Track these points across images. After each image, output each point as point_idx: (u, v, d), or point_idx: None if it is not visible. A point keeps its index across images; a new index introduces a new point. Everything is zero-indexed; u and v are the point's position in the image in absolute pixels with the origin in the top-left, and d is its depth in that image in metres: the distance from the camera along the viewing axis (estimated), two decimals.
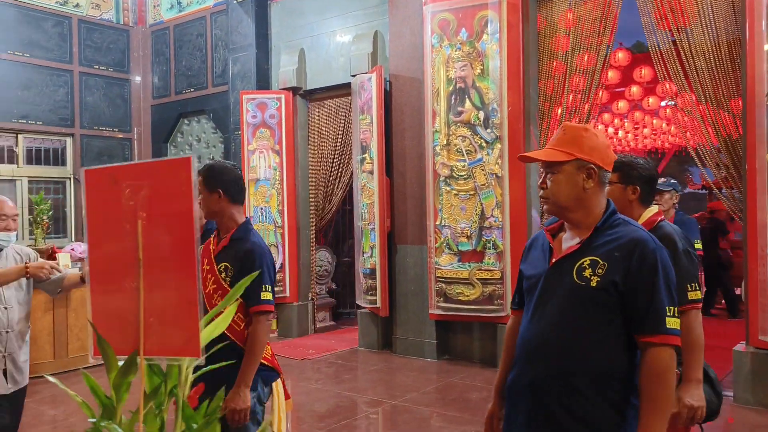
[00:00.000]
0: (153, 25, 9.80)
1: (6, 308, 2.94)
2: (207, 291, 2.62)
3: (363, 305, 7.07)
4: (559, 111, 6.11)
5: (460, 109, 6.07)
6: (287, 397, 2.73)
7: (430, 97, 6.25)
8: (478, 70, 5.99)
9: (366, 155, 6.87)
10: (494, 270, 5.93)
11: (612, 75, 9.38)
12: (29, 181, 8.73)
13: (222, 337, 2.46)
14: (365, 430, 4.63)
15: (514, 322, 2.12)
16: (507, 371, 2.00)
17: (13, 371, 2.97)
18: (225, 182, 2.62)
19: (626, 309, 1.73)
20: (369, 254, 6.88)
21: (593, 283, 1.74)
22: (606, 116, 12.06)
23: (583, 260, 1.78)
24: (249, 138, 7.85)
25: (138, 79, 9.85)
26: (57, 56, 8.95)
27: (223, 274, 2.57)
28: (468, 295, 6.04)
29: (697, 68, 5.17)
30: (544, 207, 1.91)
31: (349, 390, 5.54)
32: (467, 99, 6.04)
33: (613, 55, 9.03)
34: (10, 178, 8.57)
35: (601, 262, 1.75)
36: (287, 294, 7.83)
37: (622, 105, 11.21)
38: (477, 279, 5.99)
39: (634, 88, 10.11)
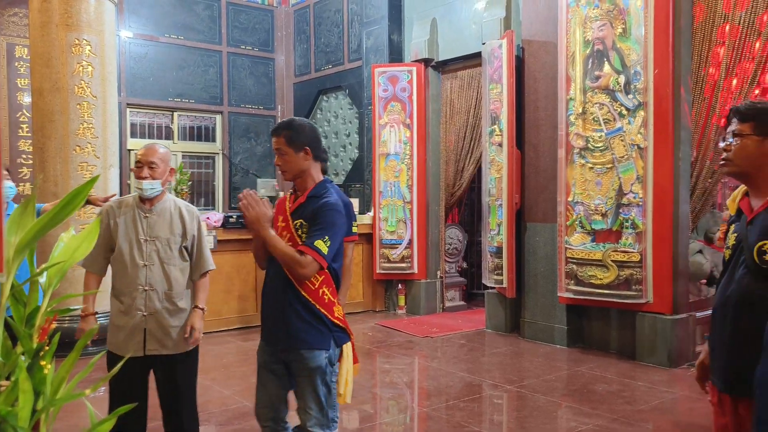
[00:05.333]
0: (295, 4, 10.07)
1: (146, 265, 2.81)
2: None
3: (490, 285, 6.75)
4: (719, 75, 5.34)
5: (597, 73, 5.50)
6: (356, 361, 2.64)
7: (565, 61, 5.73)
8: (619, 30, 5.38)
9: (495, 127, 6.51)
10: (632, 252, 5.34)
11: None
12: (183, 156, 9.38)
13: (296, 293, 2.47)
14: (472, 412, 4.37)
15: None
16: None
17: (158, 333, 2.80)
18: (311, 140, 2.53)
19: None
20: (496, 231, 6.54)
21: None
22: None
23: None
24: (380, 112, 7.78)
25: (281, 57, 10.18)
26: (207, 38, 9.50)
27: (299, 231, 2.49)
28: (601, 279, 5.50)
29: None
30: None
31: (466, 371, 5.30)
32: (606, 62, 5.45)
33: None
34: None
35: None
36: (415, 270, 7.71)
37: None
38: (612, 261, 5.43)
39: None
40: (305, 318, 2.47)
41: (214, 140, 9.77)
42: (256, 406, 2.64)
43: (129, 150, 8.84)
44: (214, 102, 9.61)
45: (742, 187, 2.08)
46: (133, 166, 2.89)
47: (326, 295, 2.51)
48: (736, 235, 2.02)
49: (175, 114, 9.36)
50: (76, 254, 0.86)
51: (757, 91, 5.37)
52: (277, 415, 2.60)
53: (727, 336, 1.96)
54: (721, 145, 2.05)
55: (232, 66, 9.73)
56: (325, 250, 2.41)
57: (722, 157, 2.05)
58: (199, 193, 9.66)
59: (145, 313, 2.79)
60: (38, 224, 0.85)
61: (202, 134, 9.70)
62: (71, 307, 1.10)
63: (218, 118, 9.74)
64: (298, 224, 2.50)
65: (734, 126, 2.00)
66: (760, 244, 1.86)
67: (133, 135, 9.02)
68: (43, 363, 0.84)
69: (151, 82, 9.01)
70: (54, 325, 0.95)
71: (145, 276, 2.80)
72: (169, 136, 9.34)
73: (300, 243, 2.45)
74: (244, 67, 9.86)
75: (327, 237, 2.42)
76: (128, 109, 8.89)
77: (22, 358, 0.93)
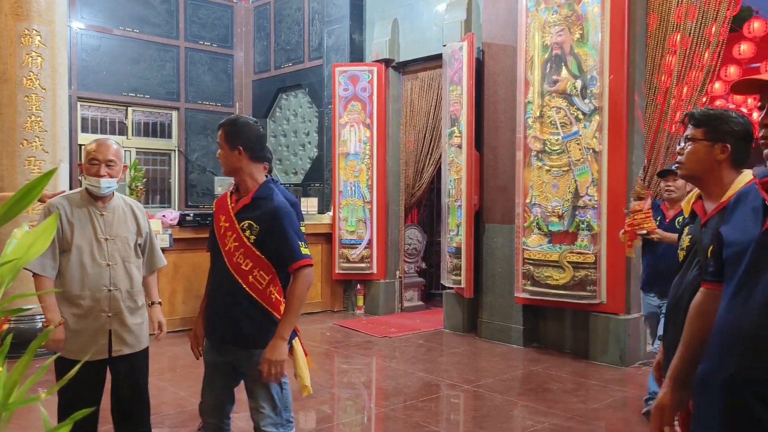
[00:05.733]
0: (255, 0, 9.93)
1: (109, 265, 2.74)
2: (227, 249, 2.54)
3: (448, 285, 6.80)
4: (670, 82, 5.49)
5: (555, 77, 5.60)
6: (306, 354, 2.68)
7: (524, 65, 5.81)
8: (577, 35, 5.48)
9: (455, 128, 6.55)
10: (587, 253, 5.45)
11: (746, 48, 8.39)
12: (137, 152, 9.15)
13: (244, 293, 2.48)
14: (430, 412, 4.39)
15: (705, 297, 1.76)
16: (693, 359, 1.69)
17: (122, 333, 2.76)
18: (247, 140, 2.52)
19: None
20: (455, 232, 6.59)
21: None
22: (738, 96, 10.87)
23: None
24: (340, 111, 7.75)
25: (241, 54, 10.05)
26: (164, 32, 9.30)
27: (247, 232, 2.50)
28: (557, 279, 5.60)
29: None
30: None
31: (424, 371, 5.32)
32: (564, 67, 5.55)
33: (747, 25, 8.07)
34: None
35: None
36: (374, 270, 7.70)
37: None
38: (567, 262, 5.53)
39: None
40: (254, 317, 2.50)
41: (170, 137, 9.57)
42: (201, 404, 2.67)
43: (80, 145, 8.58)
44: (170, 98, 9.41)
45: (696, 190, 2.12)
46: (83, 161, 2.75)
47: (273, 294, 2.53)
48: (690, 237, 2.06)
49: (130, 109, 9.13)
50: (30, 252, 0.81)
51: (704, 99, 5.56)
52: (222, 413, 2.63)
53: (679, 337, 1.96)
54: (677, 148, 2.10)
55: (190, 61, 9.55)
56: (307, 252, 2.51)
57: (676, 160, 2.10)
58: (155, 190, 9.45)
59: (109, 314, 2.73)
60: None
61: (158, 130, 9.49)
62: (23, 307, 1.05)
63: (174, 114, 9.54)
64: (246, 225, 2.51)
65: (688, 131, 2.05)
66: (712, 247, 1.87)
67: (85, 130, 8.75)
68: None
69: (104, 76, 8.76)
70: (6, 326, 0.90)
71: (109, 276, 2.73)
72: (122, 131, 9.11)
73: (248, 243, 2.48)
74: (202, 63, 9.69)
75: (301, 242, 2.50)
76: (79, 103, 8.63)
77: None
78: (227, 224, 2.54)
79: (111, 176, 2.73)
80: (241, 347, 2.52)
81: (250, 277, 2.49)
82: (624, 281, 5.40)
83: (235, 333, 2.51)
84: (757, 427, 1.41)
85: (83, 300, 2.70)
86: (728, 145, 1.97)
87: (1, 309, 0.84)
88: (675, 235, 3.47)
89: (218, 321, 2.56)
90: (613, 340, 5.41)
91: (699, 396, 1.60)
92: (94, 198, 2.76)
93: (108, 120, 9.02)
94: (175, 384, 4.84)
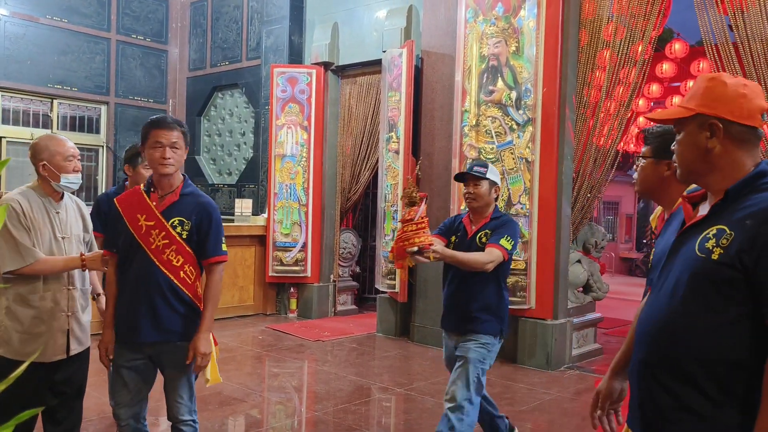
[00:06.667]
0: None
1: None
2: (153, 247, 2.52)
3: (382, 289, 6.84)
4: (599, 97, 5.73)
5: (491, 88, 5.74)
6: (215, 343, 2.72)
7: (461, 74, 5.93)
8: (513, 48, 5.65)
9: (393, 134, 6.61)
10: (518, 260, 5.60)
11: (667, 67, 8.84)
12: None
13: (173, 289, 2.51)
14: (362, 416, 4.40)
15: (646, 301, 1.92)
16: (627, 350, 1.87)
17: (78, 331, 2.75)
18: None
19: (754, 288, 1.42)
20: (390, 237, 6.63)
21: (714, 256, 1.46)
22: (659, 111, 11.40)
23: (708, 230, 1.50)
24: (278, 112, 7.68)
25: (175, 50, 9.80)
26: (95, 23, 8.96)
27: (178, 228, 2.54)
28: None
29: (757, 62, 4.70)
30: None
31: (356, 375, 5.33)
32: (500, 78, 5.70)
33: (668, 46, 8.51)
34: None
35: (728, 231, 1.46)
36: (308, 274, 7.66)
37: (677, 100, 10.55)
38: None
39: (691, 83, 9.39)
40: (180, 311, 2.56)
41: (98, 132, 9.22)
42: (115, 407, 2.67)
43: (0, 137, 8.15)
44: (99, 91, 9.06)
45: (660, 207, 2.19)
46: (51, 160, 2.64)
47: (198, 288, 2.63)
48: (654, 250, 2.13)
49: (55, 102, 8.74)
50: None
51: (630, 115, 5.83)
52: (139, 413, 2.66)
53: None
54: (634, 165, 2.16)
55: (121, 55, 9.23)
56: (226, 248, 2.64)
57: (634, 177, 2.15)
58: (81, 187, 9.06)
59: (68, 313, 2.69)
60: None
61: (85, 125, 9.12)
62: None
63: (103, 108, 9.20)
64: (176, 222, 2.55)
65: (643, 148, 2.10)
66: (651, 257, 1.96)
67: (6, 121, 8.32)
68: None
69: (28, 66, 8.36)
70: None
71: (67, 274, 2.69)
72: (47, 124, 8.70)
73: (179, 239, 2.53)
74: (135, 57, 9.39)
75: (222, 238, 2.63)
76: (1, 93, 8.20)
77: None
78: (151, 222, 2.54)
79: (80, 170, 2.77)
80: (166, 341, 2.55)
81: (181, 272, 2.54)
82: (552, 288, 5.58)
83: (161, 328, 2.54)
84: (657, 410, 1.55)
85: (44, 301, 2.63)
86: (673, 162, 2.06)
87: None
88: (466, 255, 3.05)
89: (139, 320, 2.53)
90: (540, 344, 5.58)
91: (629, 379, 1.76)
92: (50, 194, 2.72)
93: (31, 112, 8.59)
94: (98, 389, 4.65)
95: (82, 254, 2.66)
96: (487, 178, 3.20)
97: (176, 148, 2.54)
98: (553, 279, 5.58)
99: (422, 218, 2.88)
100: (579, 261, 6.12)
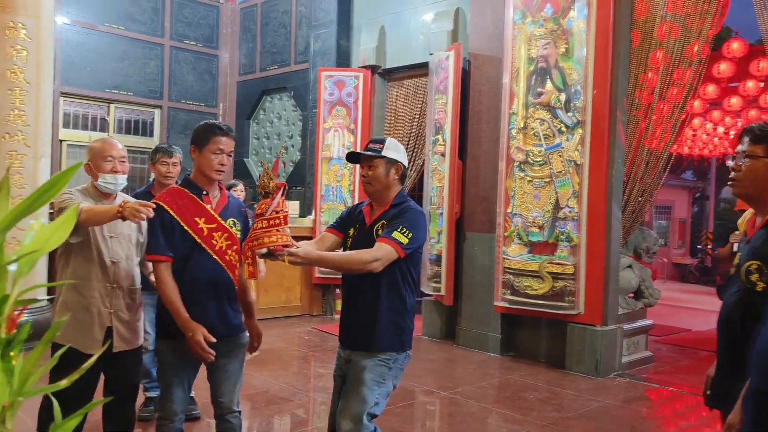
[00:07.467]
0: (242, 2, 9.93)
1: (113, 262, 2.75)
2: (217, 248, 2.60)
3: (427, 292, 6.83)
4: (651, 99, 5.61)
5: (539, 90, 5.68)
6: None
7: (509, 77, 5.89)
8: (562, 49, 5.57)
9: (439, 137, 6.61)
10: (566, 264, 5.52)
11: (725, 67, 8.53)
12: None
13: (233, 287, 2.66)
14: (405, 418, 4.41)
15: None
16: None
17: (122, 329, 2.77)
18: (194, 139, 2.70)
19: None
20: (436, 240, 6.63)
21: (759, 288, 1.57)
22: (716, 113, 11.01)
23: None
24: (325, 115, 7.77)
25: (225, 55, 10.02)
26: (150, 30, 9.24)
27: (234, 229, 2.68)
28: (536, 289, 5.66)
29: None
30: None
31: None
32: (548, 80, 5.64)
33: (726, 45, 8.25)
34: None
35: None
36: None
37: (734, 101, 10.11)
38: (547, 272, 5.60)
39: (750, 83, 8.98)
40: (236, 306, 2.76)
41: (151, 135, 9.50)
42: (170, 406, 2.65)
43: (61, 141, 8.48)
44: (153, 96, 9.34)
45: (751, 210, 2.09)
46: (92, 160, 2.74)
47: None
48: (740, 254, 2.02)
49: (112, 106, 9.04)
50: (48, 243, 0.83)
51: (684, 117, 5.68)
52: (185, 407, 2.77)
53: (731, 351, 1.97)
54: (730, 164, 2.02)
55: (174, 60, 9.50)
56: None
57: (731, 177, 2.01)
58: (133, 189, 9.35)
59: (111, 311, 2.75)
60: (14, 211, 0.81)
61: (140, 128, 9.41)
62: (38, 298, 1.06)
63: (157, 112, 9.48)
64: (231, 222, 2.69)
65: (745, 146, 1.95)
66: (747, 264, 1.85)
67: (66, 125, 8.65)
68: (11, 354, 0.81)
69: (88, 72, 8.68)
70: (23, 315, 0.91)
71: (113, 273, 2.75)
72: (104, 128, 9.02)
73: (237, 238, 2.67)
74: (187, 62, 9.64)
75: None
76: (62, 98, 8.53)
77: None
78: (212, 225, 2.62)
79: (124, 172, 2.81)
80: (234, 335, 2.70)
81: (237, 270, 2.68)
82: (601, 293, 5.48)
83: (229, 324, 2.67)
84: None
85: (91, 290, 2.71)
86: None
87: (20, 299, 0.85)
88: (341, 255, 2.60)
89: (210, 319, 2.57)
90: (588, 350, 5.48)
91: (755, 366, 1.73)
92: (101, 196, 2.80)
93: (90, 116, 8.92)
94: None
95: (121, 203, 2.49)
96: (383, 156, 2.58)
97: (230, 156, 2.67)
98: (602, 284, 5.48)
99: (276, 212, 2.40)
100: (630, 266, 6.00)
